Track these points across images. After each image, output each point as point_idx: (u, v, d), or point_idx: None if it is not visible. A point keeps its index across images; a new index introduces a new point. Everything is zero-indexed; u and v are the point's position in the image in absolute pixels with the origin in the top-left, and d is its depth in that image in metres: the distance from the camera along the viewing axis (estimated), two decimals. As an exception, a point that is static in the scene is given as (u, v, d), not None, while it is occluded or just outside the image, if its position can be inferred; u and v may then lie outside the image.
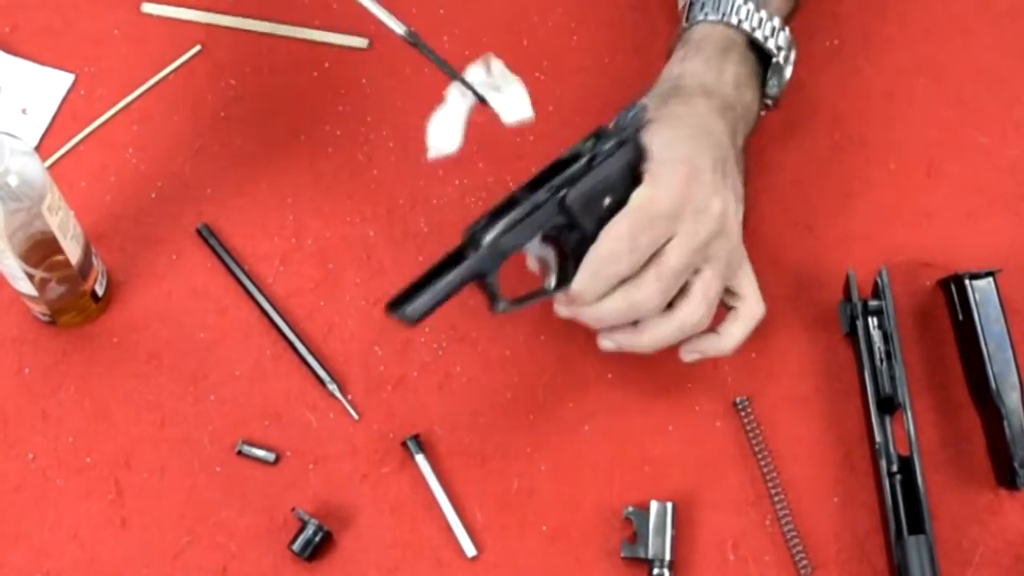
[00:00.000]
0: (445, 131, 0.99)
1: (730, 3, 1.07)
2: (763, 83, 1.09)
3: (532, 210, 0.98)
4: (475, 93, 0.99)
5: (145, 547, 1.05)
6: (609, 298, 0.99)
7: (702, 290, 1.00)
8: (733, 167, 1.03)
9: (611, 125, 1.04)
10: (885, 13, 1.22)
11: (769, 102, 1.10)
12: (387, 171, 1.16)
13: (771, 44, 1.07)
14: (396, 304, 0.95)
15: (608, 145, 0.99)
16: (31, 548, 1.05)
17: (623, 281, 0.99)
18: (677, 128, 1.02)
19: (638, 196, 0.99)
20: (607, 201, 0.99)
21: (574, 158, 1.00)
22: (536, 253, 1.00)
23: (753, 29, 1.07)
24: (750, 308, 1.04)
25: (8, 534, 1.05)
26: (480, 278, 0.97)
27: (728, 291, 1.03)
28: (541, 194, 0.98)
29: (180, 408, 1.09)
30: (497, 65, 0.99)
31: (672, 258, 0.98)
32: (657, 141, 1.00)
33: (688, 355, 1.05)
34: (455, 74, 0.98)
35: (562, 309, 1.02)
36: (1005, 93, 1.19)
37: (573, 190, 0.98)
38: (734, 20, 1.07)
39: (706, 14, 1.08)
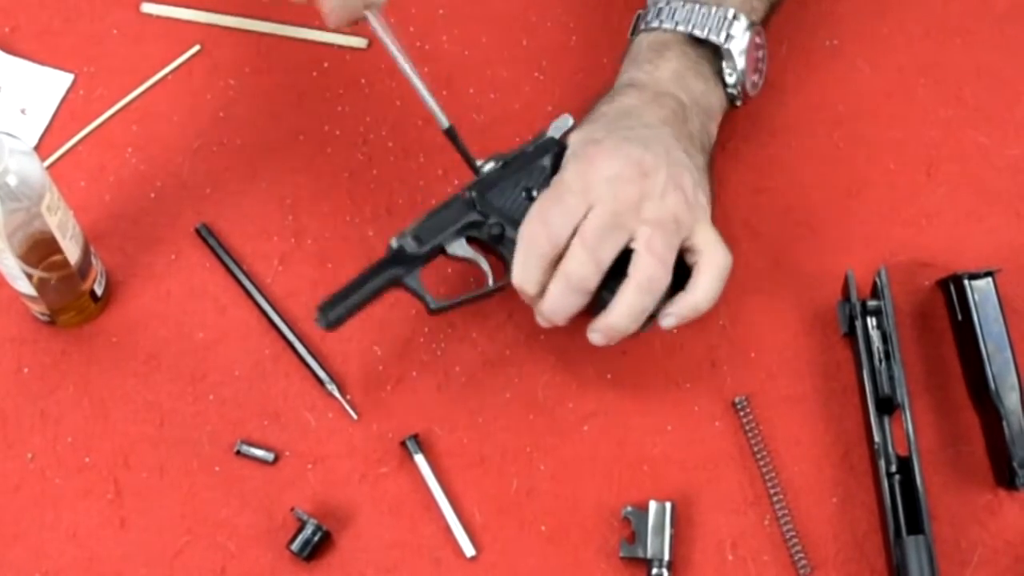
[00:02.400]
0: None
1: (668, 10, 1.10)
2: (720, 73, 1.10)
3: (439, 210, 1.04)
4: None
5: (144, 547, 1.05)
6: (551, 283, 1.01)
7: (644, 246, 1.00)
8: (670, 141, 1.04)
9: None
10: (885, 13, 1.22)
11: (734, 91, 1.10)
12: (387, 171, 1.16)
13: (713, 36, 1.08)
14: (320, 309, 1.03)
15: (526, 146, 1.06)
16: (30, 548, 1.05)
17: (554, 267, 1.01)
18: (598, 120, 1.06)
19: (552, 181, 1.03)
20: (523, 195, 1.04)
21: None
22: (463, 254, 1.05)
23: (691, 26, 1.09)
24: (711, 257, 1.02)
25: (7, 534, 1.05)
26: (398, 283, 1.04)
27: (687, 250, 1.03)
28: (457, 196, 1.05)
29: (179, 408, 1.09)
30: None
31: (589, 223, 1.00)
32: (575, 137, 1.05)
33: (665, 320, 1.03)
34: (478, 170, 1.06)
35: (539, 319, 1.04)
36: (1005, 93, 1.19)
37: (478, 185, 1.04)
38: (668, 25, 1.09)
39: (645, 24, 1.11)
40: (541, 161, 1.05)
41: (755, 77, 1.11)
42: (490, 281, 1.05)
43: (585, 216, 1.00)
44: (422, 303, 1.04)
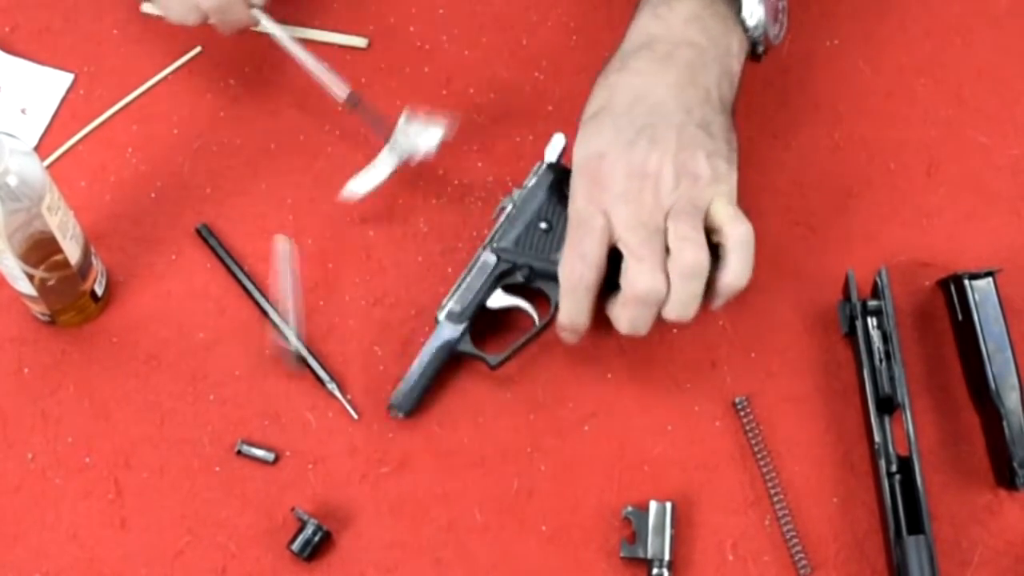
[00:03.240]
0: (363, 181, 1.12)
1: None
2: (739, 13, 1.08)
3: (466, 275, 1.08)
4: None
5: (144, 547, 1.05)
6: (622, 310, 1.02)
7: (673, 236, 1.01)
8: (679, 119, 1.03)
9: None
10: (885, 13, 1.22)
11: (755, 34, 1.08)
12: (387, 171, 1.16)
13: None
14: (395, 407, 1.07)
15: (524, 187, 1.08)
16: (30, 548, 1.05)
17: (603, 292, 1.03)
18: (603, 118, 1.05)
19: (568, 210, 1.04)
20: (544, 228, 1.07)
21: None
22: (504, 304, 1.08)
23: None
24: (732, 233, 1.02)
25: (7, 534, 1.05)
26: (453, 352, 1.07)
27: (710, 229, 1.02)
28: (479, 255, 1.08)
29: (179, 408, 1.09)
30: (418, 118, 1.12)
31: (631, 239, 1.01)
32: (580, 150, 1.05)
33: (715, 304, 1.04)
34: (387, 138, 1.12)
35: (567, 335, 1.06)
36: (1005, 93, 1.19)
37: (493, 241, 1.07)
38: None
39: None
40: (547, 191, 1.07)
41: (776, 28, 1.10)
42: (536, 320, 1.08)
43: (610, 232, 1.01)
44: (485, 363, 1.08)
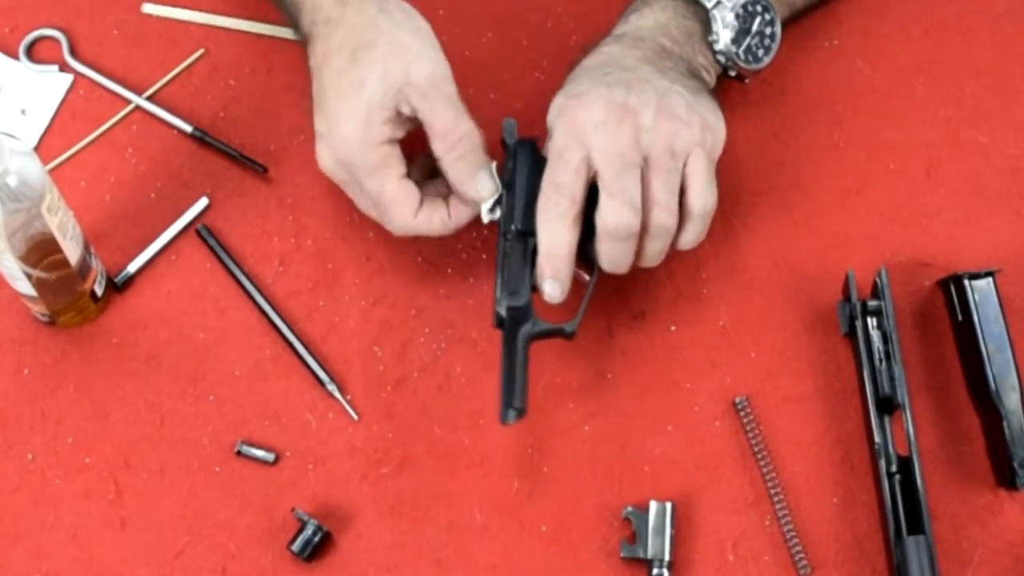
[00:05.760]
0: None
1: None
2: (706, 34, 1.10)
3: (503, 265, 1.05)
4: None
5: (144, 547, 1.05)
6: (600, 245, 1.03)
7: (646, 192, 1.02)
8: (652, 75, 1.05)
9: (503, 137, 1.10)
10: (885, 13, 1.22)
11: (721, 59, 1.10)
12: (387, 171, 1.16)
13: None
14: (504, 412, 1.02)
15: (507, 171, 1.07)
16: (30, 548, 1.05)
17: (579, 223, 1.03)
18: (579, 75, 1.07)
19: (547, 152, 1.05)
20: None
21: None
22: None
23: None
24: (695, 204, 1.04)
25: (7, 534, 1.05)
26: (530, 338, 1.04)
27: (682, 184, 1.04)
28: (503, 246, 1.05)
29: (179, 408, 1.09)
30: None
31: (605, 174, 1.02)
32: (558, 98, 1.06)
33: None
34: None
35: (552, 291, 1.04)
36: (1005, 93, 1.19)
37: (506, 223, 1.05)
38: None
39: None
40: (530, 161, 1.07)
41: (760, 52, 1.11)
42: (586, 276, 1.06)
43: (588, 165, 1.02)
44: (562, 337, 1.05)
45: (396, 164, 1.05)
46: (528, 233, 1.04)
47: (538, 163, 1.06)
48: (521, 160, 1.07)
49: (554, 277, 1.03)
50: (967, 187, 1.16)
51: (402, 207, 1.05)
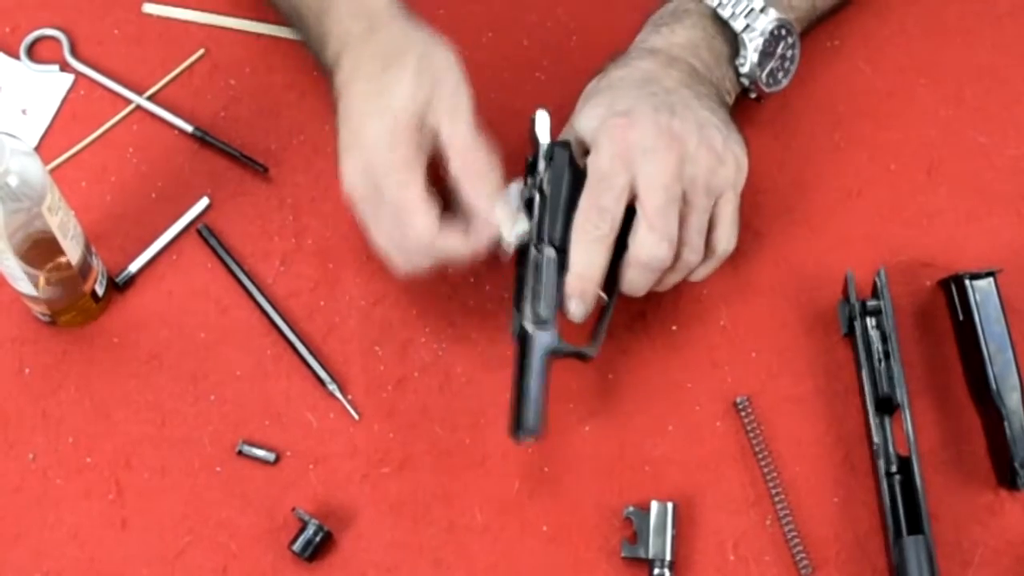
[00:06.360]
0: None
1: None
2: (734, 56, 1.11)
3: (526, 279, 1.03)
4: None
5: (145, 547, 1.05)
6: (628, 271, 1.03)
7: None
8: (693, 103, 1.05)
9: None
10: (885, 13, 1.22)
11: (745, 80, 1.11)
12: (387, 171, 1.16)
13: (733, 20, 1.09)
14: (515, 429, 1.01)
15: (540, 173, 1.04)
16: (31, 548, 1.05)
17: (618, 247, 1.02)
18: (618, 87, 1.06)
19: (588, 168, 1.03)
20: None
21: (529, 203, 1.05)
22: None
23: (716, 2, 1.10)
24: (718, 248, 1.06)
25: (8, 534, 1.05)
26: (554, 354, 1.02)
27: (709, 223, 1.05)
28: (533, 256, 1.03)
29: (180, 408, 1.09)
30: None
31: (649, 205, 1.01)
32: (595, 111, 1.04)
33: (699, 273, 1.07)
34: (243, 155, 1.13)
35: (577, 307, 1.03)
36: (1005, 93, 1.19)
37: (545, 231, 1.03)
38: None
39: None
40: (569, 170, 1.04)
41: (780, 75, 1.12)
42: (603, 296, 1.04)
43: (631, 190, 1.01)
44: (579, 358, 1.04)
45: (420, 171, 1.02)
46: (561, 249, 1.03)
47: (575, 174, 1.04)
48: (557, 167, 1.05)
49: (581, 297, 1.02)
50: (968, 187, 1.16)
51: (425, 215, 1.02)
